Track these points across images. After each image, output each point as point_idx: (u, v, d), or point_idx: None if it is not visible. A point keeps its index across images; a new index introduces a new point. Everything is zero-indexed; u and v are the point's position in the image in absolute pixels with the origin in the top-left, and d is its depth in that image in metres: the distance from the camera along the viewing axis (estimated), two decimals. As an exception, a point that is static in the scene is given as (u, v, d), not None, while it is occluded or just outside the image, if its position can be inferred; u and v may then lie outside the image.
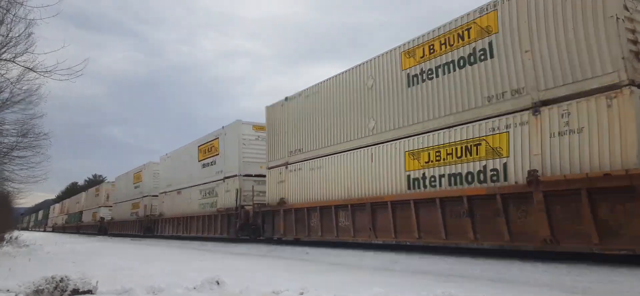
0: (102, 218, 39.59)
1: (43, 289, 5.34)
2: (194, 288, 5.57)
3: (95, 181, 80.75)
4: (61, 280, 5.40)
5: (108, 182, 42.46)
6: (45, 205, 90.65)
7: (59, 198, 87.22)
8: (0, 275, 7.44)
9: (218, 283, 5.65)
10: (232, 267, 8.99)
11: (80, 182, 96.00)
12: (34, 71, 11.43)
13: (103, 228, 39.55)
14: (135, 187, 31.65)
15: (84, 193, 53.36)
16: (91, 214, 44.52)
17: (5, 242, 19.20)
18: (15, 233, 28.56)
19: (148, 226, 28.40)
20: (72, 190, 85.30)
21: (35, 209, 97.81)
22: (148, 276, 7.22)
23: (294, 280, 6.69)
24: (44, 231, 72.46)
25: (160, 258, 11.93)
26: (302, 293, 5.27)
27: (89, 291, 5.40)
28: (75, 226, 51.60)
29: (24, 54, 11.46)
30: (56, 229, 64.08)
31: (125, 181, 34.57)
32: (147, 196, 29.39)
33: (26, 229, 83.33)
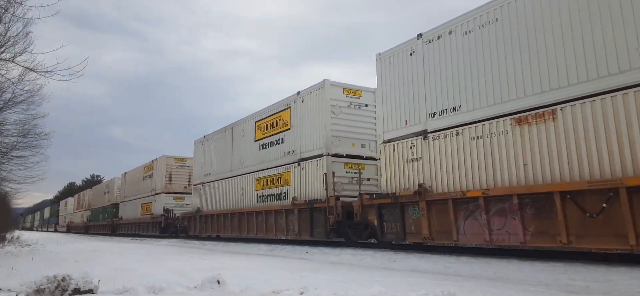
0: (168, 211, 25.87)
1: (44, 288, 5.37)
2: (195, 287, 5.62)
3: (93, 181, 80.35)
4: (63, 279, 5.43)
5: (167, 156, 27.48)
6: (43, 205, 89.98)
7: (57, 198, 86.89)
8: (3, 274, 7.48)
9: (219, 282, 5.69)
10: (232, 266, 9.03)
11: (78, 182, 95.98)
12: (34, 71, 11.49)
13: (172, 228, 25.62)
14: (264, 147, 17.26)
15: (115, 177, 38.24)
16: (139, 207, 30.16)
17: (7, 242, 19.26)
18: (17, 233, 28.63)
19: (366, 224, 12.91)
20: (70, 190, 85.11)
21: (34, 209, 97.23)
22: (149, 275, 7.27)
23: (294, 279, 6.74)
24: (55, 231, 61.47)
25: (162, 257, 11.96)
26: (302, 293, 5.31)
27: (90, 291, 5.43)
28: (108, 224, 37.12)
29: (23, 54, 11.51)
30: (73, 229, 51.86)
31: (222, 143, 20.53)
32: (310, 156, 14.45)
33: (30, 229, 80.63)
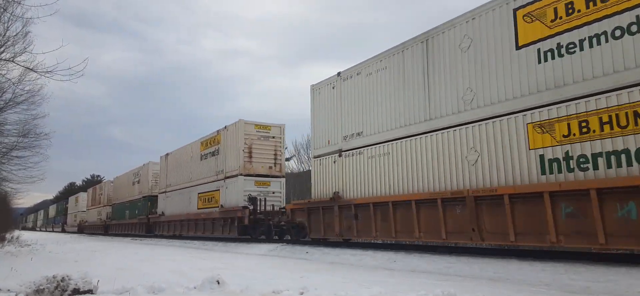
0: (255, 200, 17.26)
1: (44, 288, 5.38)
2: (195, 288, 5.61)
3: (93, 181, 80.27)
4: (62, 280, 5.43)
5: (245, 121, 18.76)
6: (44, 205, 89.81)
7: (57, 198, 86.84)
8: (2, 274, 7.47)
9: (218, 283, 5.69)
10: (232, 266, 9.03)
11: (78, 182, 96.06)
12: (34, 71, 11.49)
13: (262, 226, 17.07)
14: (559, 53, 8.10)
15: (149, 162, 29.59)
16: (194, 199, 21.71)
17: (7, 242, 19.29)
18: (17, 233, 28.66)
19: None
20: (71, 190, 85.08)
21: (36, 208, 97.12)
22: (149, 275, 7.26)
23: (294, 279, 6.73)
24: (63, 231, 54.59)
25: (162, 257, 11.96)
26: (302, 293, 5.31)
27: (90, 291, 5.43)
28: (141, 223, 29.05)
29: (23, 54, 11.52)
30: (87, 228, 44.41)
31: (395, 75, 11.59)
32: None
33: (32, 229, 78.37)
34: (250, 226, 17.10)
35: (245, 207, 17.32)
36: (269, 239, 16.46)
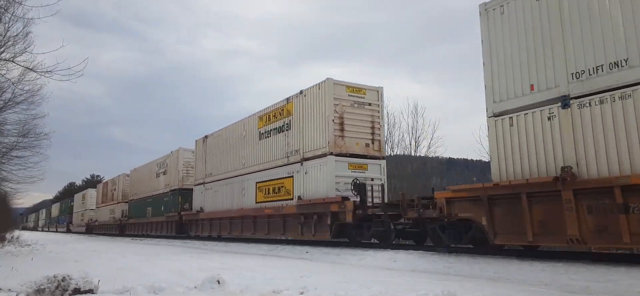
0: (361, 188, 12.21)
1: (44, 288, 5.38)
2: (195, 287, 5.62)
3: (93, 181, 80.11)
4: (63, 279, 5.44)
5: (334, 81, 13.64)
6: (44, 205, 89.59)
7: (57, 198, 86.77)
8: (2, 274, 7.48)
9: (219, 282, 5.70)
10: (232, 266, 9.04)
11: (78, 182, 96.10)
12: (34, 71, 11.49)
13: (370, 225, 12.03)
14: None
15: (180, 149, 25.13)
16: (252, 190, 16.75)
17: (7, 242, 19.31)
18: (17, 233, 28.69)
19: None
20: (70, 190, 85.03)
21: (36, 208, 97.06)
22: (150, 275, 7.27)
23: (294, 279, 6.74)
24: (68, 232, 50.67)
25: (163, 257, 11.96)
26: (302, 293, 5.33)
27: (90, 291, 5.43)
28: (169, 221, 24.73)
29: (23, 54, 11.53)
30: (97, 228, 40.61)
31: None
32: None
33: (33, 229, 76.67)
34: (355, 224, 12.18)
35: (345, 198, 12.26)
36: (387, 244, 11.67)
